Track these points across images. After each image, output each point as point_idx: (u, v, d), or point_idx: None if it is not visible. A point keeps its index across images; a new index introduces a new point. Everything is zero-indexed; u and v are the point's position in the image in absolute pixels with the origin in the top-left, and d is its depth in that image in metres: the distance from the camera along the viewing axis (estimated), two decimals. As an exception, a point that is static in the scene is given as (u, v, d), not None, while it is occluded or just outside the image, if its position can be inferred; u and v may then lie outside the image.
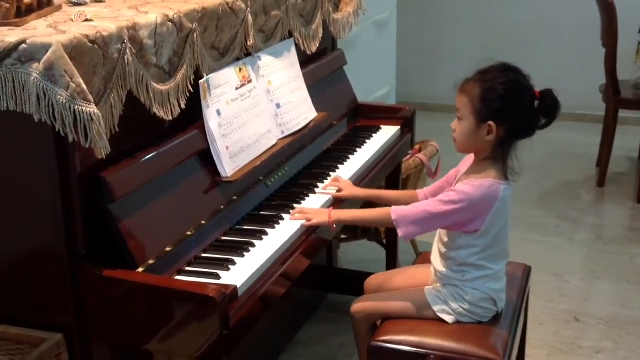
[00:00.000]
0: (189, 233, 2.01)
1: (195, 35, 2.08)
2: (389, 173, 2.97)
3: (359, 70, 4.15)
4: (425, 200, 2.18)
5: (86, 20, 1.82)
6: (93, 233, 1.80)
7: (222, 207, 2.18)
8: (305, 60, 2.82)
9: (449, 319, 2.19)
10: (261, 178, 2.38)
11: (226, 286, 1.81)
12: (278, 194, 2.41)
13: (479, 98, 2.07)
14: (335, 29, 3.00)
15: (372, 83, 4.46)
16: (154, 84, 1.93)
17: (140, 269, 1.83)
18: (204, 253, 2.02)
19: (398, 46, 5.03)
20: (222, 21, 2.21)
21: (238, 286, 1.84)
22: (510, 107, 2.07)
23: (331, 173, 2.57)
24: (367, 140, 2.88)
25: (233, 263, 1.96)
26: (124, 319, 1.81)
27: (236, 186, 2.23)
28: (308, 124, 2.63)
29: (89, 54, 1.69)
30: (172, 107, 2.01)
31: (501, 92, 2.06)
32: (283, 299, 2.99)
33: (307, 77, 2.75)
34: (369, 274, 2.82)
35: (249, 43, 2.37)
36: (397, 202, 2.30)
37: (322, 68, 2.94)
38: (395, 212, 2.15)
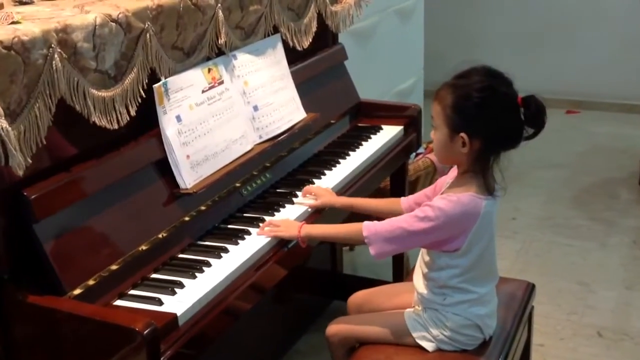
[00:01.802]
0: (141, 248, 1.86)
1: (148, 35, 1.91)
2: (386, 177, 2.77)
3: (380, 63, 3.95)
4: (400, 216, 1.96)
5: (13, 22, 1.66)
6: (20, 255, 1.65)
7: (186, 219, 2.02)
8: (298, 57, 2.63)
9: (429, 346, 1.98)
10: (238, 185, 2.22)
11: (163, 315, 1.65)
12: (253, 204, 2.23)
13: (451, 106, 1.84)
14: (334, 22, 2.79)
15: (395, 75, 4.23)
16: (93, 91, 1.76)
17: (78, 291, 1.68)
18: (154, 273, 1.86)
19: (429, 32, 4.74)
20: (184, 19, 2.03)
21: (179, 314, 1.68)
22: (485, 117, 1.83)
23: (315, 180, 2.37)
24: (363, 143, 2.67)
25: (181, 286, 1.79)
26: (53, 349, 1.66)
27: (203, 197, 2.06)
28: (293, 127, 2.44)
29: (4, 61, 1.53)
30: (119, 115, 1.85)
31: (475, 99, 1.82)
32: (283, 304, 2.86)
33: (298, 75, 2.56)
34: (375, 280, 2.63)
35: (220, 41, 2.19)
36: (377, 212, 2.10)
37: (317, 65, 2.74)
38: (367, 228, 1.94)
